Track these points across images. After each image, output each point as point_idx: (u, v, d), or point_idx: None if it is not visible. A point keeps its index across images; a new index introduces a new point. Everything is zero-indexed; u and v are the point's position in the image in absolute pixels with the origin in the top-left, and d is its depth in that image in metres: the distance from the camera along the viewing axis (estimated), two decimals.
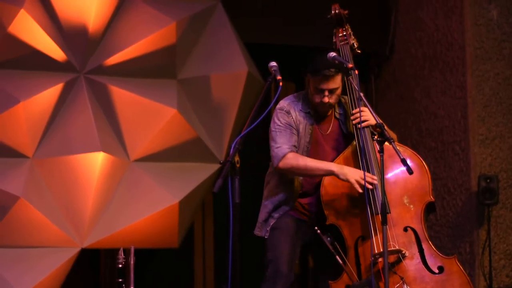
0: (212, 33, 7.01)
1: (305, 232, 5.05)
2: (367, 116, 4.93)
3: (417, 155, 5.00)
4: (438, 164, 7.69)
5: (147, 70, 6.81)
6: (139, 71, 6.78)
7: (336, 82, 4.92)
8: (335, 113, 5.08)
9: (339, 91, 4.95)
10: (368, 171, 4.85)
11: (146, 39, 6.70)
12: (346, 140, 5.05)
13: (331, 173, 4.86)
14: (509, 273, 7.46)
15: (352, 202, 4.89)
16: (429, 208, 4.98)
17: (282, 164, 4.89)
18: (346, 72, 4.89)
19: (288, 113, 4.98)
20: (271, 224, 5.06)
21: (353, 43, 5.18)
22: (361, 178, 4.78)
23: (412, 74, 8.00)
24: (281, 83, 4.64)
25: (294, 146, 4.93)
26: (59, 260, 6.60)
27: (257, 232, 5.16)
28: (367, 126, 4.93)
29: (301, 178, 5.02)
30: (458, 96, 7.57)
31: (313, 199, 5.03)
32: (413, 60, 7.99)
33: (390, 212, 4.79)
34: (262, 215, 5.13)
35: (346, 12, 5.26)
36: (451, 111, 7.62)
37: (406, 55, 8.07)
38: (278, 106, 5.05)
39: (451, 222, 7.57)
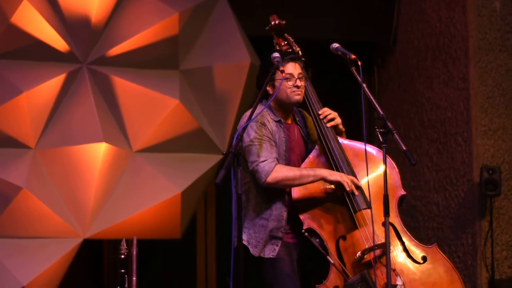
0: (215, 24, 7.00)
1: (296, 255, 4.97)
2: (334, 114, 4.98)
3: (378, 149, 4.98)
4: (441, 155, 7.69)
5: (150, 61, 6.81)
6: (141, 61, 6.78)
7: (300, 69, 4.92)
8: (296, 119, 5.06)
9: (303, 77, 4.94)
10: (340, 170, 4.85)
11: (148, 30, 6.69)
12: (307, 145, 5.03)
13: (321, 177, 4.80)
14: (511, 264, 7.47)
15: (326, 203, 4.88)
16: (401, 201, 4.99)
17: (270, 179, 4.73)
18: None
19: (263, 124, 4.84)
20: (275, 246, 4.87)
21: (298, 51, 5.17)
22: (350, 179, 4.78)
23: (414, 65, 8.00)
24: (283, 74, 4.65)
25: (276, 158, 4.81)
26: (61, 251, 6.61)
27: (256, 252, 4.86)
28: (334, 126, 4.97)
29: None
30: (460, 87, 7.56)
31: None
32: (415, 51, 7.99)
33: (371, 208, 4.80)
34: (258, 233, 4.87)
35: (284, 22, 5.25)
36: (454, 102, 7.62)
37: (409, 47, 8.06)
38: (249, 117, 4.79)
39: (453, 213, 7.57)
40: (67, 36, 6.58)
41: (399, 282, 4.71)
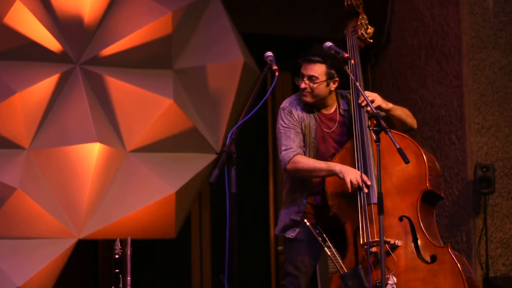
0: (208, 23, 7.00)
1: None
2: (373, 96, 5.00)
3: (415, 143, 4.99)
4: (435, 153, 7.70)
5: (143, 61, 6.81)
6: (135, 61, 6.78)
7: (315, 70, 4.94)
8: (340, 109, 5.09)
9: (317, 81, 4.94)
10: (362, 162, 4.88)
11: (142, 29, 6.69)
12: (350, 137, 5.06)
13: (332, 173, 4.90)
14: (506, 262, 7.48)
15: (351, 193, 4.91)
16: (430, 196, 4.96)
17: (289, 167, 4.96)
18: (342, 62, 4.89)
19: (290, 113, 5.02)
20: (295, 227, 5.07)
21: (362, 33, 5.18)
22: (358, 178, 4.81)
23: (408, 63, 8.01)
24: (277, 73, 4.64)
25: (300, 146, 4.98)
26: (56, 251, 6.61)
27: (277, 229, 5.16)
28: (376, 107, 4.95)
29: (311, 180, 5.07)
30: (454, 85, 7.57)
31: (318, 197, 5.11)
32: (409, 49, 8.00)
33: (376, 203, 4.79)
34: (285, 214, 5.12)
35: (360, 1, 5.26)
36: (447, 100, 7.63)
37: (403, 45, 8.07)
38: (281, 106, 5.09)
39: (447, 211, 7.58)
40: (60, 36, 6.58)
41: (390, 281, 4.70)
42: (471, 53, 7.49)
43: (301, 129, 4.99)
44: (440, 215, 7.62)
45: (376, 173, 4.85)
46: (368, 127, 4.84)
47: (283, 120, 5.02)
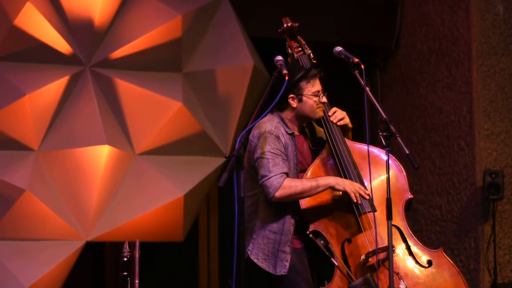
0: (218, 27, 7.00)
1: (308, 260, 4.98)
2: (343, 114, 4.98)
3: (390, 154, 4.97)
4: (444, 159, 7.69)
5: (153, 64, 6.81)
6: (144, 64, 6.78)
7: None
8: (306, 131, 5.05)
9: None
10: (346, 173, 4.86)
11: (152, 33, 6.69)
12: (314, 155, 5.02)
13: (329, 187, 4.80)
14: None
15: (333, 209, 4.88)
16: (408, 205, 4.99)
17: (278, 194, 4.73)
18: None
19: (277, 138, 4.83)
20: (285, 261, 4.85)
21: (309, 53, 5.19)
22: (358, 189, 4.77)
23: (417, 68, 8.00)
24: (287, 77, 4.64)
25: (286, 173, 4.79)
26: (64, 253, 6.61)
27: (265, 266, 4.86)
28: (343, 125, 4.97)
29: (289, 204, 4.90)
30: (463, 91, 7.57)
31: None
32: (418, 54, 7.99)
33: (376, 211, 4.80)
34: (266, 247, 4.87)
35: (296, 24, 5.27)
36: (457, 106, 7.62)
37: (412, 50, 8.06)
38: (263, 129, 4.83)
39: (456, 217, 7.57)
40: (70, 38, 6.59)
41: (402, 286, 4.71)
42: (481, 59, 7.49)
43: (287, 155, 4.86)
44: (448, 221, 7.61)
45: (362, 183, 4.86)
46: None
47: (270, 145, 4.79)
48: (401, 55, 8.19)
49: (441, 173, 7.70)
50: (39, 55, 6.54)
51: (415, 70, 8.03)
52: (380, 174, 4.91)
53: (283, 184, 4.73)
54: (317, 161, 4.96)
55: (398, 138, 4.64)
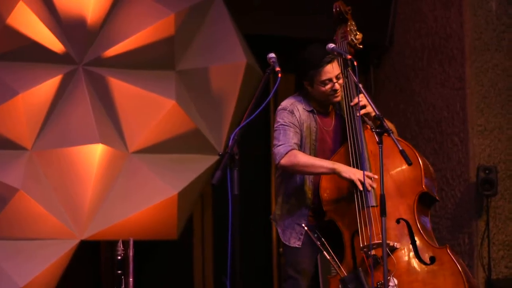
0: (211, 25, 7.00)
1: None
2: (365, 103, 4.97)
3: (410, 146, 4.98)
4: (437, 155, 7.70)
5: (146, 62, 6.81)
6: (137, 62, 6.78)
7: (338, 67, 4.94)
8: (335, 109, 5.10)
9: (341, 77, 4.96)
10: (358, 164, 4.88)
11: (144, 31, 6.69)
12: (345, 138, 5.06)
13: (333, 171, 4.86)
14: (508, 264, 7.47)
15: (346, 197, 4.91)
16: (426, 199, 4.97)
17: (284, 161, 4.87)
18: (345, 64, 4.90)
19: (291, 112, 4.97)
20: (300, 235, 5.01)
21: (351, 38, 5.18)
22: (362, 178, 4.79)
23: (411, 65, 8.00)
24: (280, 75, 4.64)
25: (297, 144, 4.91)
26: (58, 252, 6.61)
27: (282, 236, 5.07)
28: (364, 115, 4.95)
29: (309, 182, 5.01)
30: (456, 87, 7.57)
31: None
32: (412, 51, 7.99)
33: (378, 206, 4.79)
34: (286, 218, 5.06)
35: (348, 8, 5.26)
36: (450, 102, 7.62)
37: (405, 47, 8.06)
38: (280, 106, 5.03)
39: (449, 213, 7.57)
40: (63, 37, 6.58)
41: (391, 283, 4.70)
42: (474, 55, 7.49)
43: (302, 130, 4.96)
44: (442, 217, 7.62)
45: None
46: (371, 129, 4.84)
47: (282, 119, 4.96)
48: (395, 51, 8.19)
49: (435, 169, 7.67)
50: (32, 54, 6.53)
51: (408, 66, 8.03)
52: (394, 167, 4.90)
53: (289, 153, 4.86)
54: (340, 150, 5.01)
55: (391, 134, 4.64)
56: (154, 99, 6.76)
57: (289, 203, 5.04)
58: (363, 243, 4.80)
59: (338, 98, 4.99)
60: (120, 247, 5.07)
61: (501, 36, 7.57)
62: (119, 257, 5.07)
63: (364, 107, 4.96)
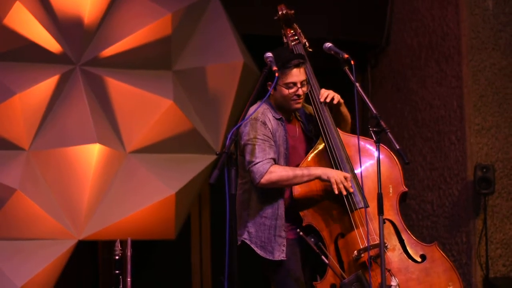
0: (208, 24, 7.00)
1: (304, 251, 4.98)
2: (331, 93, 4.92)
3: (384, 146, 4.96)
4: (434, 154, 7.70)
5: (143, 62, 6.81)
6: (134, 62, 6.78)
7: (305, 74, 4.86)
8: (297, 116, 5.02)
9: (306, 84, 4.88)
10: (339, 167, 4.83)
11: (141, 31, 6.69)
12: (310, 142, 5.00)
13: (316, 178, 4.77)
14: (506, 263, 7.48)
15: (327, 200, 4.86)
16: (402, 198, 4.97)
17: (264, 180, 4.72)
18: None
19: (264, 124, 4.81)
20: (283, 246, 4.86)
21: (305, 42, 5.16)
22: (343, 179, 4.73)
23: (408, 64, 8.01)
24: (277, 74, 4.63)
25: (273, 158, 4.78)
26: (56, 252, 6.61)
27: (263, 253, 4.87)
28: (338, 101, 4.91)
29: (282, 190, 4.88)
30: (454, 86, 7.58)
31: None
32: (409, 50, 8.00)
33: (369, 206, 4.78)
34: (262, 234, 4.87)
35: (292, 12, 5.24)
36: (447, 101, 7.63)
37: (402, 46, 8.07)
38: (251, 116, 4.79)
39: (447, 212, 7.58)
40: (60, 37, 6.58)
41: (393, 282, 4.70)
42: (470, 54, 7.50)
43: (275, 140, 4.83)
44: (440, 216, 7.62)
45: (354, 176, 4.83)
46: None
47: (256, 131, 4.78)
48: (392, 51, 8.19)
49: (432, 168, 7.71)
50: (29, 54, 6.53)
51: (405, 65, 8.04)
52: (374, 167, 4.88)
53: (269, 170, 4.72)
54: (311, 154, 4.93)
55: (388, 133, 4.64)
56: (151, 99, 6.76)
57: (263, 217, 4.86)
58: (358, 245, 4.77)
59: (299, 106, 4.88)
60: (118, 247, 5.06)
61: (498, 35, 7.58)
62: (117, 257, 5.06)
63: (332, 99, 4.90)
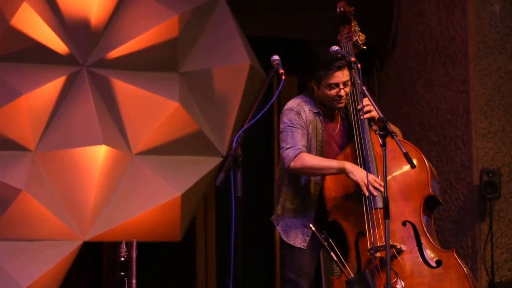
0: (215, 26, 7.00)
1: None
2: (370, 108, 4.95)
3: (417, 149, 4.99)
4: (441, 158, 7.69)
5: (150, 63, 6.81)
6: (141, 64, 6.78)
7: (347, 75, 4.92)
8: (341, 113, 5.08)
9: (349, 84, 4.94)
10: (367, 168, 4.85)
11: (148, 32, 6.69)
12: (350, 141, 5.05)
13: (343, 171, 4.84)
14: (511, 267, 7.47)
15: (352, 197, 4.89)
16: (430, 202, 4.97)
17: (293, 164, 4.84)
18: (349, 66, 4.89)
19: (298, 113, 4.94)
20: (306, 236, 4.99)
21: (356, 39, 5.18)
22: (373, 181, 4.77)
23: (414, 68, 8.00)
24: (283, 77, 4.63)
25: (305, 146, 4.89)
26: (61, 253, 6.61)
27: (285, 237, 5.02)
28: (370, 118, 4.95)
29: (315, 183, 5.00)
30: (460, 90, 7.57)
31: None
32: (415, 54, 7.99)
33: (383, 208, 4.78)
34: (288, 219, 5.02)
35: (352, 9, 5.26)
36: (454, 105, 7.62)
37: (409, 49, 8.06)
38: (286, 107, 4.98)
39: (453, 216, 7.57)
40: (67, 38, 6.59)
41: (399, 286, 4.70)
42: (477, 58, 7.48)
43: (308, 131, 4.94)
44: (445, 220, 7.61)
45: (379, 177, 4.85)
46: (375, 131, 4.83)
47: (289, 120, 4.93)
48: (398, 54, 8.19)
49: (438, 172, 7.66)
50: (36, 55, 6.54)
51: (412, 69, 8.03)
52: (399, 169, 4.89)
53: (298, 156, 4.84)
54: (346, 150, 4.99)
55: (395, 137, 4.64)
56: (158, 101, 6.76)
57: (293, 203, 5.00)
58: (370, 245, 4.79)
59: (342, 105, 4.96)
60: (123, 248, 5.06)
61: (505, 39, 7.57)
62: (122, 259, 5.06)
63: (369, 111, 4.95)
